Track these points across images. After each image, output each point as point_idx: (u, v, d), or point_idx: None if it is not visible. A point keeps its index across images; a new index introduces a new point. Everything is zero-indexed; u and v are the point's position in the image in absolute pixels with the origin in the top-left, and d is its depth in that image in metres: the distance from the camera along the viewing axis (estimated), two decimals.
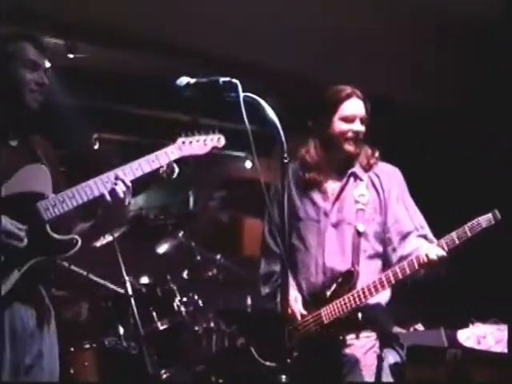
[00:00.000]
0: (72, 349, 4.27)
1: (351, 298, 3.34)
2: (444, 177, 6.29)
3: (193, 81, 2.66)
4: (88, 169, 5.24)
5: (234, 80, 2.51)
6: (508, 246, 3.66)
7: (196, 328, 5.04)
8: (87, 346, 4.36)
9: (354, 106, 3.45)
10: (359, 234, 3.42)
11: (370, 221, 3.46)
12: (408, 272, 3.27)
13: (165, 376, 4.73)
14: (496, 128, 5.36)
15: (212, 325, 5.07)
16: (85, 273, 4.62)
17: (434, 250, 3.24)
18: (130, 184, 2.79)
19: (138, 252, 5.37)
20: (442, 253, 3.24)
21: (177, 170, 2.92)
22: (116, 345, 4.58)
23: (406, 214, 3.49)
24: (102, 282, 4.73)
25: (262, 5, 5.21)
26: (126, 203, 2.81)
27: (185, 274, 5.41)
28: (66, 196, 2.78)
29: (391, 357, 5.71)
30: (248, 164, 7.07)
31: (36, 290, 2.84)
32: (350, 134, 3.42)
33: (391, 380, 5.27)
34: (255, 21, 5.32)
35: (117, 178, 2.79)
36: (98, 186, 2.79)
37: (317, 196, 3.52)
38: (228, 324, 5.13)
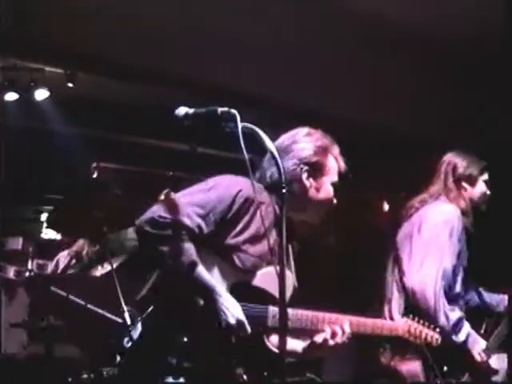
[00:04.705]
0: (70, 379, 4.24)
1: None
2: None
3: (191, 111, 2.64)
4: (88, 196, 5.27)
5: (233, 110, 2.49)
6: None
7: None
8: (85, 376, 4.33)
9: None
10: None
11: None
12: None
13: None
14: None
15: None
16: (83, 303, 4.59)
17: None
18: None
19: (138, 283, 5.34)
20: None
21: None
22: (114, 375, 4.52)
23: None
24: (100, 311, 4.69)
25: (260, 39, 5.29)
26: None
27: None
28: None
29: None
30: None
31: None
32: None
33: None
34: (253, 54, 5.39)
35: None
36: None
37: None
38: None
